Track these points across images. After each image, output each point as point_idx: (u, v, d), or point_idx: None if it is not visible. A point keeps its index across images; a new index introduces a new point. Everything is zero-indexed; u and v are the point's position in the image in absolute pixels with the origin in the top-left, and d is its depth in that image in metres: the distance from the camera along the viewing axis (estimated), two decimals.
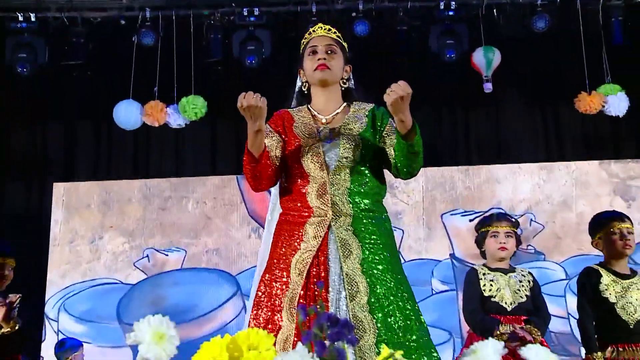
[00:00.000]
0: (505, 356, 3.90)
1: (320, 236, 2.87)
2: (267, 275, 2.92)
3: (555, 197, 6.85)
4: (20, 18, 6.55)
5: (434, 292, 6.66)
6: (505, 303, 4.05)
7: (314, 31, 3.19)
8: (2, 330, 4.10)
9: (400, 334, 2.74)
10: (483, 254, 4.33)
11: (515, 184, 6.90)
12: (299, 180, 2.98)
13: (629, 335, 3.94)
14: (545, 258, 6.75)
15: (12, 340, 4.21)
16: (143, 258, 6.90)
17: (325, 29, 3.17)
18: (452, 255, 6.66)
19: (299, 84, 3.25)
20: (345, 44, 3.21)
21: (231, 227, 7.04)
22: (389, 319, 2.75)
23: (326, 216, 2.89)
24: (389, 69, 7.05)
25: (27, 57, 6.54)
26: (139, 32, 6.62)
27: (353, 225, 2.90)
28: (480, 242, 4.33)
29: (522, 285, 4.14)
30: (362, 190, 2.97)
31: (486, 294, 4.09)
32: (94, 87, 7.24)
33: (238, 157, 7.42)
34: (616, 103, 6.32)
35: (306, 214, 2.93)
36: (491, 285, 4.12)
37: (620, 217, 4.19)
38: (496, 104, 7.22)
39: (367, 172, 3.01)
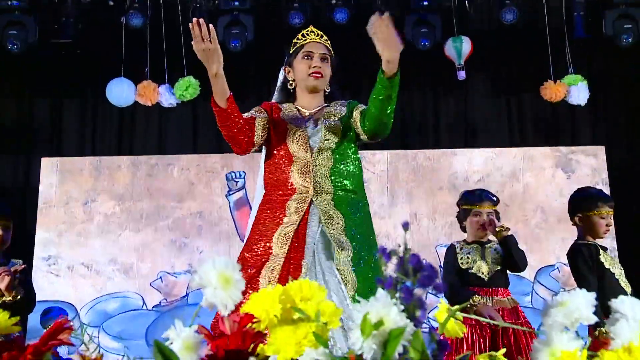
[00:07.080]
0: (473, 323, 3.76)
1: (302, 210, 2.77)
2: (247, 252, 2.77)
3: (506, 168, 6.82)
4: None
5: None
6: (482, 274, 3.96)
7: (307, 34, 3.10)
8: (4, 299, 3.84)
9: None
10: (464, 229, 4.20)
11: (471, 156, 6.86)
12: (284, 161, 2.88)
13: None
14: None
15: (13, 309, 3.92)
16: (157, 279, 6.71)
17: (318, 35, 3.09)
18: None
19: (281, 78, 3.17)
20: (332, 53, 3.13)
21: (212, 193, 6.89)
22: (366, 280, 2.67)
23: (308, 193, 2.80)
24: (366, 54, 6.83)
25: (18, 34, 6.14)
26: (127, 13, 6.25)
27: (334, 201, 2.81)
28: (462, 218, 4.20)
29: (499, 255, 4.01)
30: (344, 170, 2.89)
31: (464, 267, 4.01)
32: (83, 66, 6.85)
33: (219, 137, 7.14)
34: (577, 93, 6.21)
35: (289, 192, 2.83)
36: (468, 258, 4.02)
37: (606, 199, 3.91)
38: (465, 91, 7.04)
39: (349, 153, 2.95)
